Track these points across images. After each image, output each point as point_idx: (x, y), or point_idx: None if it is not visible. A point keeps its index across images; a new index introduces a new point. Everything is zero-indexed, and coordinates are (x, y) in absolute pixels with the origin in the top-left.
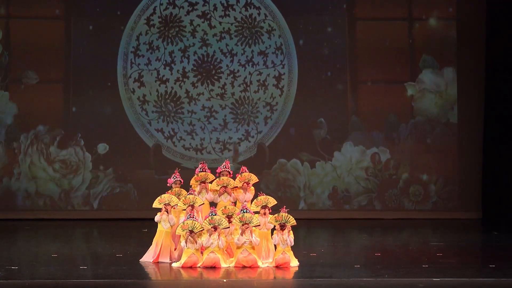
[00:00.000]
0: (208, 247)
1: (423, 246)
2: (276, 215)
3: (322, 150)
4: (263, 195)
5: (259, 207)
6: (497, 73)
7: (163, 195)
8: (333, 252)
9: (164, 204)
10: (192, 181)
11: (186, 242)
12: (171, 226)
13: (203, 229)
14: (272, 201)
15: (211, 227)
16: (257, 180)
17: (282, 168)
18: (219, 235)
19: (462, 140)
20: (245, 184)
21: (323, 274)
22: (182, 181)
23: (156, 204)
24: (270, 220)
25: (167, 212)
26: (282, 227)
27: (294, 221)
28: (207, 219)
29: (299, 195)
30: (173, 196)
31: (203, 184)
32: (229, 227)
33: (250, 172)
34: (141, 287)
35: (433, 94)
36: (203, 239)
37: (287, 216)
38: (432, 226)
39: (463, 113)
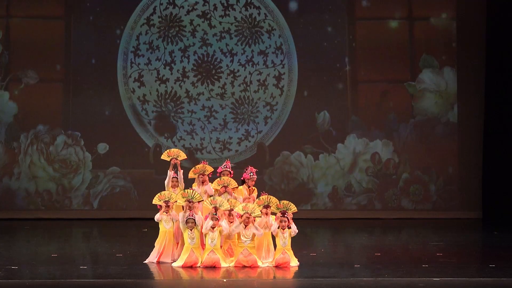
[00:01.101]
0: (207, 233)
1: (423, 246)
2: (277, 203)
3: (326, 143)
4: (265, 194)
5: (261, 206)
6: (497, 73)
7: (163, 192)
8: (333, 252)
9: (164, 201)
10: (191, 174)
11: (184, 214)
12: (174, 223)
13: (202, 200)
14: (274, 201)
15: (212, 207)
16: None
17: (286, 160)
18: (222, 215)
19: (462, 140)
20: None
21: (323, 274)
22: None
23: (156, 201)
24: (272, 207)
25: (167, 212)
26: (283, 214)
27: (295, 208)
28: (209, 199)
29: (302, 187)
30: (173, 193)
31: (202, 176)
32: (229, 209)
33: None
34: (141, 287)
35: (433, 94)
36: (206, 224)
37: (288, 203)
38: (432, 226)
39: (463, 113)
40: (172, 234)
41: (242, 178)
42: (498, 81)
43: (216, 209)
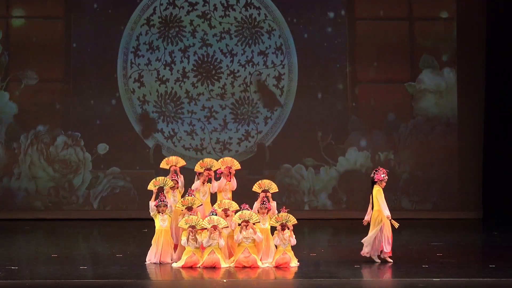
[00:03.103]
0: (209, 246)
1: (423, 246)
2: (276, 215)
3: (326, 155)
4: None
5: (279, 223)
6: (497, 73)
7: (158, 177)
8: (333, 252)
9: (159, 188)
10: (197, 167)
11: (187, 240)
12: (171, 223)
13: (206, 228)
14: (274, 188)
15: (211, 227)
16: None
17: (287, 173)
18: (220, 234)
19: (462, 140)
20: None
21: (323, 274)
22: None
23: (151, 186)
24: (271, 221)
25: (163, 212)
26: (283, 227)
27: (295, 220)
28: (206, 219)
29: (303, 200)
30: (168, 179)
31: (207, 172)
32: (227, 226)
33: (250, 171)
34: (141, 287)
35: (433, 94)
36: (203, 239)
37: (287, 215)
38: (432, 226)
39: (463, 113)
40: (168, 233)
41: (375, 180)
42: (498, 81)
43: (215, 227)
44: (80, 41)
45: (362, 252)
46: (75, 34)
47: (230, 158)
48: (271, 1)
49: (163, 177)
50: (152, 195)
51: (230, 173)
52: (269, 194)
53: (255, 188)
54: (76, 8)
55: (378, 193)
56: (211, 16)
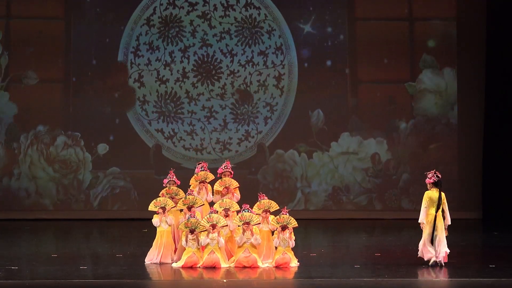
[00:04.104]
0: (207, 244)
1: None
2: (277, 217)
3: (319, 141)
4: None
5: (261, 210)
6: (497, 73)
7: (158, 198)
8: (333, 252)
9: (161, 207)
10: (192, 181)
11: (186, 241)
12: (170, 226)
13: (205, 230)
14: (274, 206)
15: (210, 226)
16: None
17: (279, 159)
18: (218, 233)
19: (462, 140)
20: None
21: (323, 274)
22: (177, 182)
23: (151, 207)
24: (271, 221)
25: (163, 213)
26: (284, 228)
27: (296, 223)
28: (205, 217)
29: (296, 186)
30: (169, 199)
31: (202, 184)
32: (227, 225)
33: (250, 171)
34: (141, 287)
35: (433, 94)
36: (201, 238)
37: (288, 217)
38: None
39: (463, 113)
40: (170, 234)
41: (433, 181)
42: (498, 81)
43: (214, 226)
44: (80, 41)
45: (437, 258)
46: (75, 34)
47: (228, 178)
48: (271, 1)
49: (163, 198)
50: (158, 214)
51: (228, 190)
52: (268, 214)
53: (255, 208)
54: (76, 8)
55: (445, 198)
56: (211, 16)
